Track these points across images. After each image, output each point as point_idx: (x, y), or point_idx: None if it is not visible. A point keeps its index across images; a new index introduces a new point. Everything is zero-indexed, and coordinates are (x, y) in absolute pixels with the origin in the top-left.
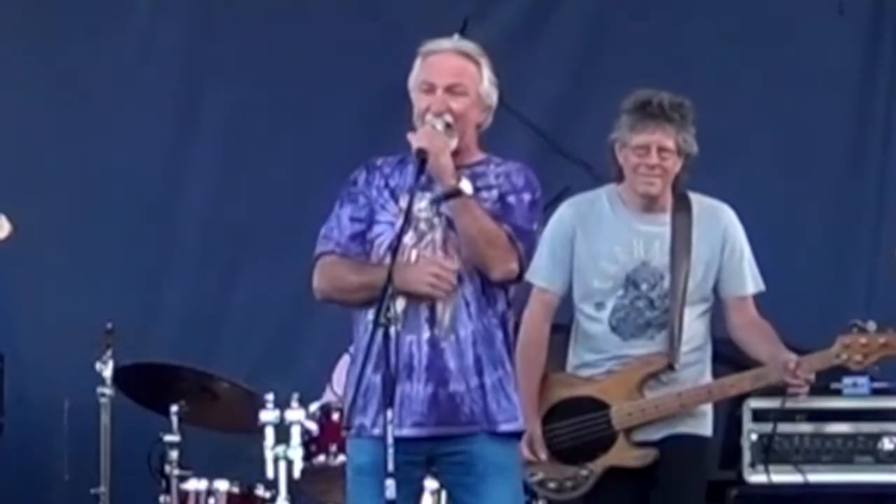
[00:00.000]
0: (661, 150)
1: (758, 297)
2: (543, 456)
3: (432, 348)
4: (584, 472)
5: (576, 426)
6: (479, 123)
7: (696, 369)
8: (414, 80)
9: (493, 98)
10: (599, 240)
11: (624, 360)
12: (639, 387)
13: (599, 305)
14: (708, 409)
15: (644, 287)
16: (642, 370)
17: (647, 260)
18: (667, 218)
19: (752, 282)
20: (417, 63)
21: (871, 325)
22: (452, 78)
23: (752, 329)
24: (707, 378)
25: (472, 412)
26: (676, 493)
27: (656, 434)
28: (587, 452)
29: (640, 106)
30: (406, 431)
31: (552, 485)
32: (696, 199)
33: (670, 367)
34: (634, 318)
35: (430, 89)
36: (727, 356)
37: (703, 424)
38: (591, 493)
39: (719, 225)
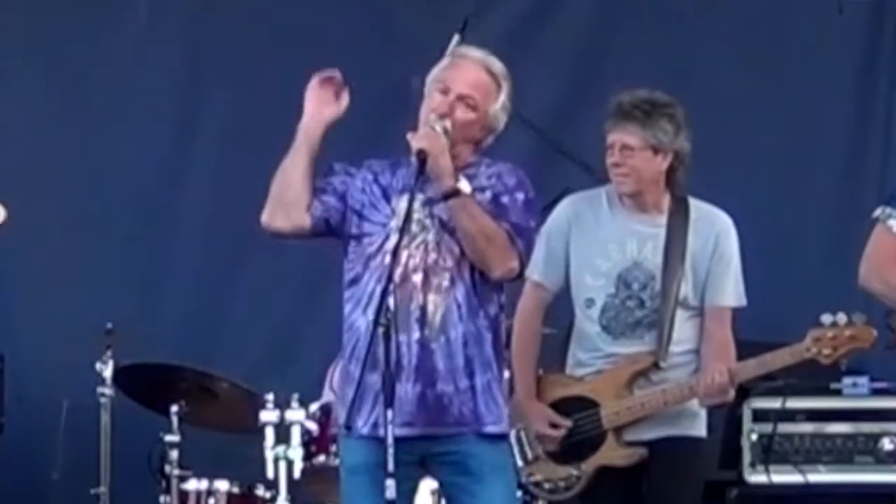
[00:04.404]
0: (622, 147)
1: (758, 297)
2: (568, 422)
3: (422, 349)
4: (575, 473)
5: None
6: (477, 140)
7: (686, 370)
8: (434, 75)
9: (501, 123)
10: (595, 237)
11: (613, 358)
12: (627, 385)
13: (590, 301)
14: (701, 410)
15: (635, 287)
16: (629, 369)
17: (640, 260)
18: (663, 220)
19: (732, 294)
20: (444, 61)
21: (842, 318)
22: (468, 89)
23: (714, 350)
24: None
25: (460, 413)
26: (672, 495)
27: (648, 434)
28: (579, 452)
29: (611, 106)
30: (396, 431)
31: (547, 485)
32: (695, 204)
33: (656, 366)
34: (625, 318)
35: (444, 91)
36: None
37: (697, 426)
38: (584, 493)
39: (713, 229)
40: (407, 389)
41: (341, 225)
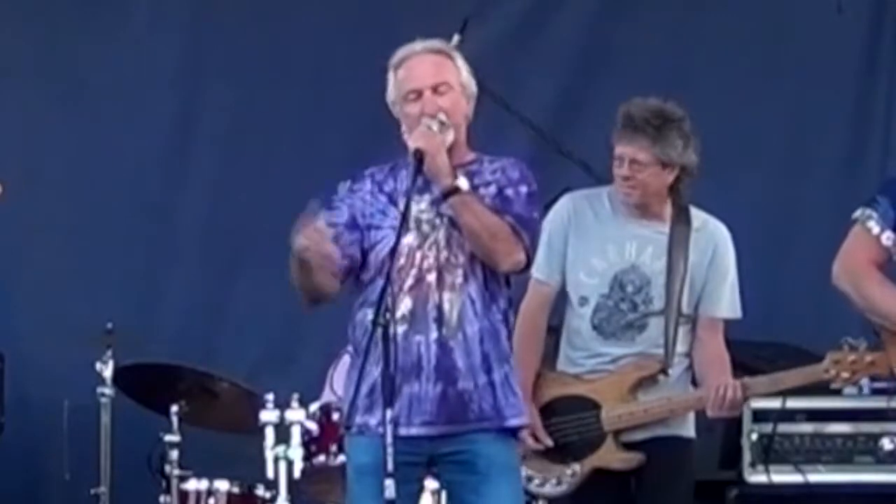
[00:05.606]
0: (632, 161)
1: (755, 296)
2: (549, 442)
3: (441, 348)
4: (569, 472)
5: (566, 424)
6: (466, 114)
7: (678, 370)
8: (395, 93)
9: (473, 86)
10: (594, 235)
11: (603, 359)
12: (632, 390)
13: (583, 300)
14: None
15: (629, 289)
16: (636, 374)
17: (638, 264)
18: (664, 227)
19: (727, 306)
20: (393, 76)
21: (863, 344)
22: (435, 78)
23: (711, 360)
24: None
25: (480, 409)
26: (662, 496)
27: (638, 435)
28: (575, 451)
29: (622, 116)
30: (415, 430)
31: (536, 480)
32: (696, 213)
33: (663, 373)
34: (617, 320)
35: (417, 96)
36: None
37: (686, 426)
38: (576, 493)
39: (712, 240)
40: (427, 389)
41: (367, 250)
